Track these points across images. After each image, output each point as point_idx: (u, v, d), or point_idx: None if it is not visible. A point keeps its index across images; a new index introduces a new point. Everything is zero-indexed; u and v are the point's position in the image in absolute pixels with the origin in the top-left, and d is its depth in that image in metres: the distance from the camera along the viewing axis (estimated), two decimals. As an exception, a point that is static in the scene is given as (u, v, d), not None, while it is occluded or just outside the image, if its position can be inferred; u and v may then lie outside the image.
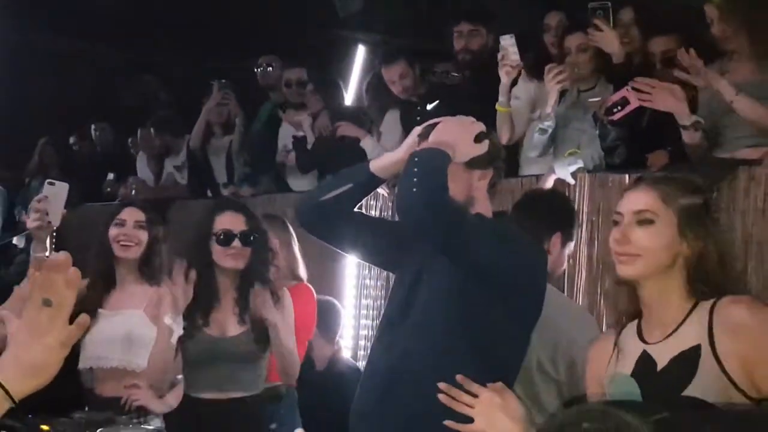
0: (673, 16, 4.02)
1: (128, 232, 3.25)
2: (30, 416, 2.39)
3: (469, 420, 1.86)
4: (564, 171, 3.79)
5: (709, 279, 1.89)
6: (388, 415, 2.22)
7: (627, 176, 3.60)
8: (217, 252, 3.11)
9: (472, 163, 2.28)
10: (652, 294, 1.92)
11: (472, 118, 2.31)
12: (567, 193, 3.73)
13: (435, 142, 2.24)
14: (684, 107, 3.32)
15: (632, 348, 1.97)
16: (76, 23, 6.60)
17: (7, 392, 1.33)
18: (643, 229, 1.89)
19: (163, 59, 7.29)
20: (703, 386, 1.80)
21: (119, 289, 3.24)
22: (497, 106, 3.98)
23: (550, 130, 3.93)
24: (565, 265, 3.19)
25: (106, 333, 3.09)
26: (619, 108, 3.45)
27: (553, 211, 2.80)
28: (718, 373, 1.80)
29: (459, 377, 1.88)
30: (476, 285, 2.20)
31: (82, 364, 3.11)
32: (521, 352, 2.30)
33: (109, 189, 6.54)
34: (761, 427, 1.43)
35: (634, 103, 3.41)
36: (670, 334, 1.89)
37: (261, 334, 3.05)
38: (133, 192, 6.09)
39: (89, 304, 3.09)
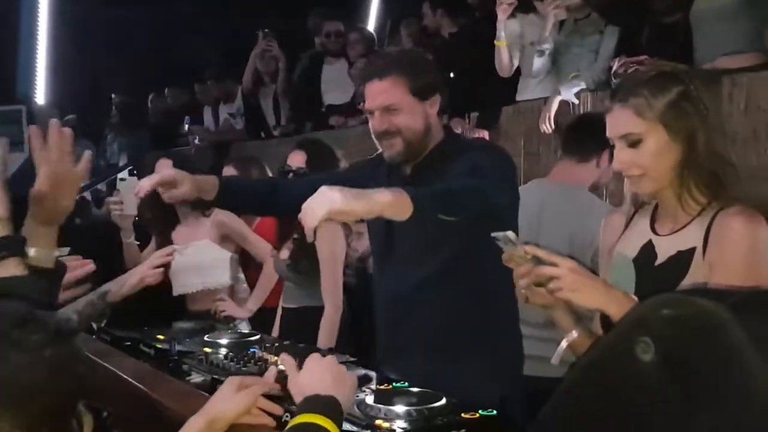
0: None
1: None
2: (146, 328, 2.62)
3: None
4: (568, 93, 4.05)
5: (710, 180, 1.83)
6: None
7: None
8: None
9: (423, 94, 2.36)
10: (669, 197, 1.89)
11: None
12: (572, 112, 4.05)
13: None
14: None
15: (641, 234, 1.95)
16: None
17: None
18: (634, 151, 1.83)
19: (215, 20, 7.84)
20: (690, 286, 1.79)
21: (183, 224, 3.73)
22: (496, 42, 4.36)
23: (547, 51, 4.29)
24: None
25: (182, 264, 3.43)
26: None
27: (603, 131, 3.09)
28: (706, 277, 1.78)
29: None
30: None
31: (175, 291, 3.54)
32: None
33: (186, 132, 7.11)
34: None
35: None
36: (677, 231, 1.88)
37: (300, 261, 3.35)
38: (196, 139, 6.71)
39: (163, 241, 3.65)
